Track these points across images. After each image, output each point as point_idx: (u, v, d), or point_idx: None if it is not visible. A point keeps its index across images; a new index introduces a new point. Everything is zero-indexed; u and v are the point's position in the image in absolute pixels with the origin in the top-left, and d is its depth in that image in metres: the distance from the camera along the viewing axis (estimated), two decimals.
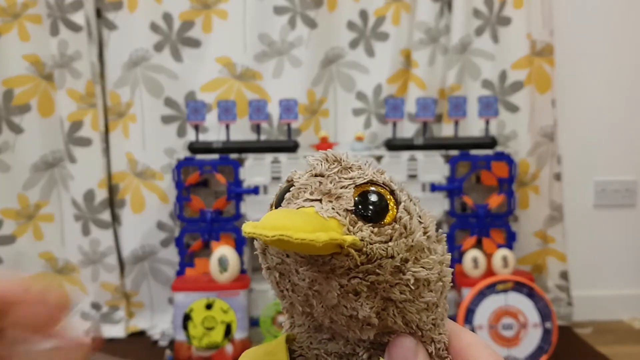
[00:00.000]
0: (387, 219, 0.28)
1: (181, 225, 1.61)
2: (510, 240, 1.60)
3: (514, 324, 1.43)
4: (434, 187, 1.59)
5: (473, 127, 1.73)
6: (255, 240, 0.30)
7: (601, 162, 1.84)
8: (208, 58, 1.74)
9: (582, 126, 1.82)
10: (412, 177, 1.59)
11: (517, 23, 1.72)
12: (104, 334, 1.73)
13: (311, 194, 0.29)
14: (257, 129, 1.65)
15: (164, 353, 1.56)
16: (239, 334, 1.46)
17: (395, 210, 0.28)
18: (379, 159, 1.59)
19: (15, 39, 1.66)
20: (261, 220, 0.26)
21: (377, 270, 0.27)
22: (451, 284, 0.31)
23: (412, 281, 0.28)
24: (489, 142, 1.61)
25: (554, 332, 1.42)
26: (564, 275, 1.78)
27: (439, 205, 1.59)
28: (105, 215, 1.72)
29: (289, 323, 0.32)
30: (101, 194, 1.71)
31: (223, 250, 1.50)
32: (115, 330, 1.73)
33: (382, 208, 0.28)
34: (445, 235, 0.31)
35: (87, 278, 1.74)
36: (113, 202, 1.76)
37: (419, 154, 1.59)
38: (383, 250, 0.27)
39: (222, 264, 1.48)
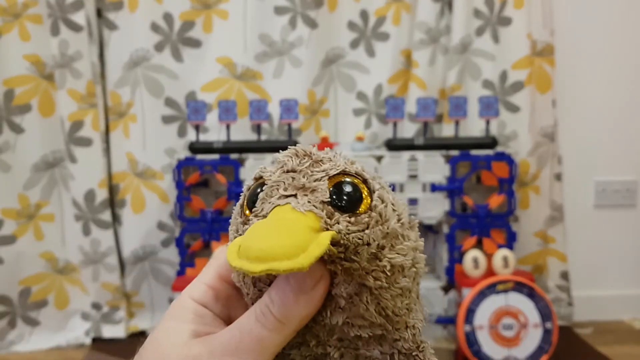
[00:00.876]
0: (362, 207, 0.29)
1: (181, 225, 1.61)
2: (510, 241, 1.60)
3: (515, 324, 1.43)
4: (434, 187, 1.59)
5: (473, 127, 1.73)
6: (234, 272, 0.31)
7: (602, 162, 1.84)
8: (208, 58, 1.74)
9: (583, 126, 1.82)
10: (413, 177, 1.59)
11: (517, 23, 1.72)
12: (104, 334, 1.73)
13: (285, 189, 0.29)
14: (257, 129, 1.65)
15: None
16: None
17: (369, 199, 0.29)
18: (379, 159, 1.59)
19: (16, 39, 1.66)
20: (243, 247, 0.27)
21: (354, 257, 0.28)
22: (425, 270, 0.32)
23: (388, 267, 0.28)
24: (490, 142, 1.61)
25: (554, 332, 1.42)
26: (565, 276, 1.78)
27: (439, 205, 1.59)
28: (106, 215, 1.72)
29: None
30: (102, 194, 1.71)
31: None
32: (115, 331, 1.73)
33: (356, 198, 0.29)
34: (417, 221, 0.32)
35: (88, 278, 1.74)
36: (113, 202, 1.76)
37: (420, 154, 1.59)
38: (359, 238, 0.28)
39: None
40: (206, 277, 0.33)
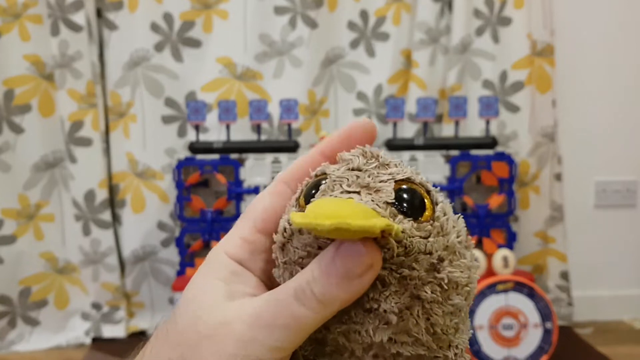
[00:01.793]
0: (425, 216, 0.28)
1: (182, 225, 1.61)
2: (510, 241, 1.60)
3: (515, 324, 1.43)
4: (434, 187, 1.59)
5: (473, 127, 1.73)
6: (277, 234, 0.29)
7: (602, 162, 1.84)
8: (208, 58, 1.74)
9: (583, 126, 1.82)
10: None
11: (517, 23, 1.72)
12: (104, 334, 1.73)
13: (348, 186, 0.28)
14: (257, 129, 1.65)
15: None
16: None
17: (431, 210, 0.28)
18: None
19: (16, 39, 1.66)
20: (308, 210, 0.25)
21: (413, 264, 0.27)
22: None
23: (445, 281, 0.28)
24: (490, 142, 1.61)
25: (554, 332, 1.42)
26: (565, 276, 1.78)
27: None
28: (106, 215, 1.72)
29: None
30: (102, 194, 1.71)
31: None
32: (115, 330, 1.73)
33: (420, 205, 0.28)
34: (473, 243, 0.31)
35: (88, 278, 1.74)
36: (113, 202, 1.76)
37: (420, 154, 1.59)
38: (422, 245, 0.27)
39: None
40: (242, 230, 0.31)
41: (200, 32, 1.73)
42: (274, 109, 1.72)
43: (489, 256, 1.54)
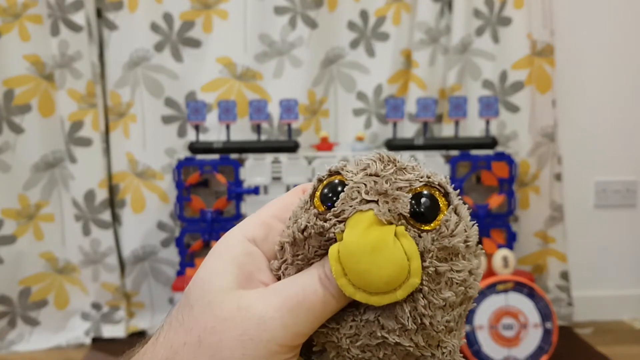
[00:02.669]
0: (437, 219, 0.29)
1: (181, 225, 1.61)
2: (510, 241, 1.60)
3: (515, 324, 1.43)
4: None
5: (473, 127, 1.73)
6: (288, 229, 0.31)
7: (602, 162, 1.84)
8: (208, 58, 1.74)
9: (583, 126, 1.82)
10: None
11: (517, 23, 1.72)
12: (104, 334, 1.73)
13: (366, 193, 0.29)
14: (257, 129, 1.65)
15: None
16: None
17: (445, 213, 0.29)
18: None
19: (16, 39, 1.66)
20: (347, 270, 0.28)
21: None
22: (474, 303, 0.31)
23: (431, 269, 0.28)
24: (490, 142, 1.61)
25: (554, 333, 1.42)
26: (565, 276, 1.78)
27: None
28: (106, 216, 1.72)
29: None
30: (102, 194, 1.71)
31: None
32: (115, 330, 1.73)
33: (434, 210, 0.29)
34: (483, 252, 0.32)
35: (88, 278, 1.74)
36: (113, 202, 1.76)
37: (420, 154, 1.59)
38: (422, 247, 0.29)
39: None
40: (263, 214, 0.32)
41: (200, 32, 1.73)
42: (273, 109, 1.72)
43: (489, 256, 1.54)
